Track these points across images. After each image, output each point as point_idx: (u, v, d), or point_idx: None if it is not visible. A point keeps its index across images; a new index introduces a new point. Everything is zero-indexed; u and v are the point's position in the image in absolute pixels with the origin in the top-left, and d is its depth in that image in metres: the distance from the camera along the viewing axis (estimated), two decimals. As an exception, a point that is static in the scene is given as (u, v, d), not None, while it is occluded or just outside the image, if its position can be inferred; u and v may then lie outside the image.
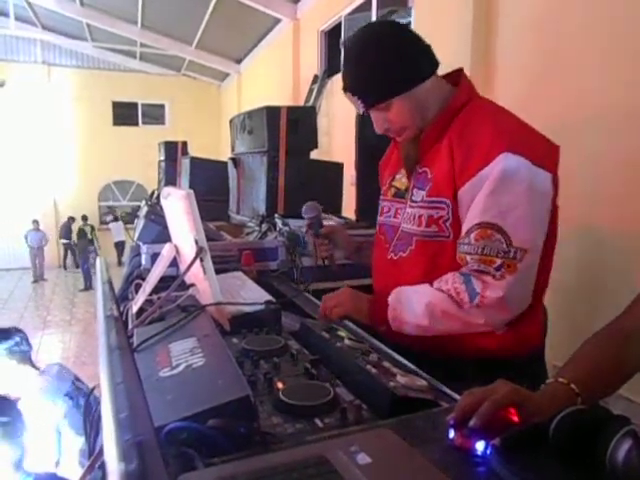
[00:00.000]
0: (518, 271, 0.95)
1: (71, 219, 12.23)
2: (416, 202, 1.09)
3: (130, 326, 1.14)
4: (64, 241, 12.29)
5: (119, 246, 11.98)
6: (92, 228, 11.83)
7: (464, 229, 1.00)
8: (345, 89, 1.09)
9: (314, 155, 3.03)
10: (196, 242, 1.05)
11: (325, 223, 1.46)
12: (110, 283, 0.47)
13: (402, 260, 1.12)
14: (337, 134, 6.02)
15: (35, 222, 11.80)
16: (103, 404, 0.25)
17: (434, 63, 1.07)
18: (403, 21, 5.33)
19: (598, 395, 0.78)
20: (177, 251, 1.26)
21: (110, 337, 0.28)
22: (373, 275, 1.28)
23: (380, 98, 1.05)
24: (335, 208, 2.79)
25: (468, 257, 0.98)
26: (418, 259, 1.09)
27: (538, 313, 1.09)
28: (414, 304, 1.01)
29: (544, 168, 0.97)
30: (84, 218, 11.99)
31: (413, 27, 4.75)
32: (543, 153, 0.99)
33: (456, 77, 1.11)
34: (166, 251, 1.28)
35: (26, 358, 2.00)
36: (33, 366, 2.03)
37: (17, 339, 2.02)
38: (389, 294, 1.06)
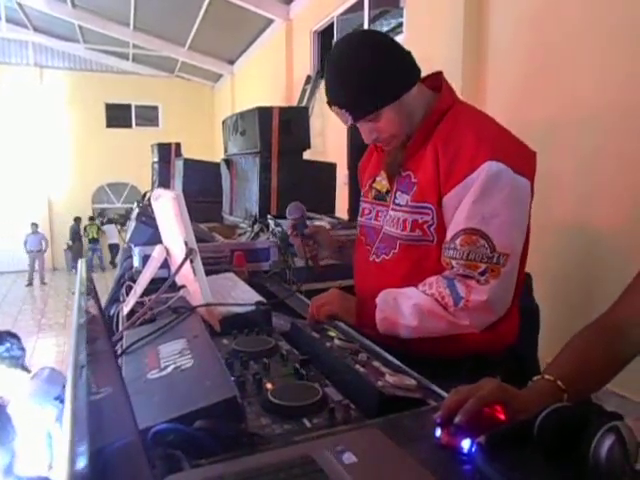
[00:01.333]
0: (501, 275, 0.97)
1: (78, 220, 12.38)
2: (400, 206, 1.10)
3: (120, 328, 1.14)
4: (70, 242, 12.43)
5: (113, 248, 12.06)
6: (98, 228, 12.15)
7: (449, 234, 1.01)
8: (331, 103, 1.06)
9: (307, 155, 3.03)
10: (186, 244, 1.05)
11: (311, 223, 1.46)
12: (93, 286, 0.47)
13: (385, 263, 1.13)
14: (330, 134, 6.03)
15: (34, 225, 11.87)
16: (63, 426, 0.24)
17: (417, 69, 1.07)
18: (395, 21, 5.35)
19: (585, 391, 0.79)
20: (168, 253, 1.26)
21: (79, 351, 0.28)
22: (355, 276, 1.29)
23: (369, 110, 1.03)
24: (328, 208, 2.80)
25: (453, 262, 1.00)
26: (402, 263, 1.10)
27: (514, 313, 1.10)
28: (402, 306, 1.02)
29: (524, 175, 1.00)
30: (91, 218, 12.50)
31: (405, 27, 4.76)
32: (523, 160, 1.02)
33: (434, 81, 1.12)
34: (157, 253, 1.28)
35: (17, 363, 2.00)
36: (25, 370, 2.02)
37: (8, 345, 2.02)
38: (376, 296, 1.06)
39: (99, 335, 0.48)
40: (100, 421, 0.39)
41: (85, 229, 12.44)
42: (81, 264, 0.51)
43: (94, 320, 0.47)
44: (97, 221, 12.40)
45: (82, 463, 0.24)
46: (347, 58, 1.03)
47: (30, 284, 11.14)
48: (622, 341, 0.81)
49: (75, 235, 12.21)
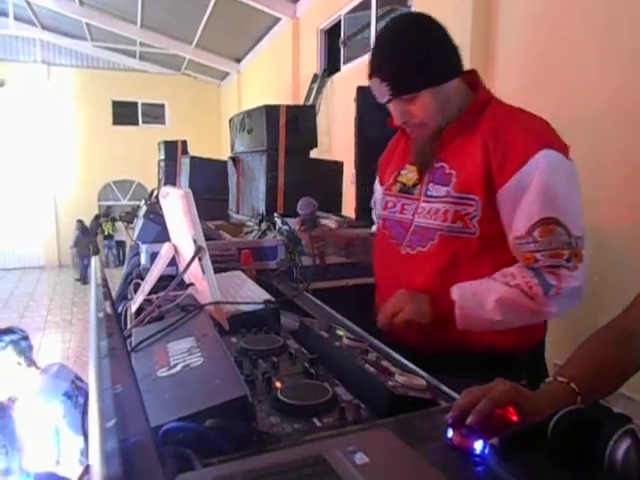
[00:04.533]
0: (584, 257, 0.99)
1: (97, 217, 12.61)
2: (436, 197, 1.09)
3: (129, 326, 1.14)
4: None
5: (120, 245, 12.15)
6: (113, 224, 12.35)
7: (521, 228, 1.00)
8: (372, 75, 1.06)
9: (314, 154, 3.03)
10: (194, 241, 1.05)
11: (319, 222, 1.45)
12: (105, 283, 0.47)
13: (421, 255, 1.12)
14: (337, 133, 6.01)
15: (79, 222, 12.14)
16: (90, 411, 0.24)
17: (462, 64, 1.09)
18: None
19: (598, 394, 0.78)
20: (176, 250, 1.26)
21: (100, 339, 0.28)
22: (378, 270, 1.27)
23: (411, 88, 1.03)
24: (335, 207, 2.80)
25: (537, 254, 0.99)
26: (440, 254, 1.09)
27: None
28: (483, 301, 1.01)
29: (570, 159, 1.03)
30: (105, 215, 12.66)
31: (413, 25, 4.74)
32: (565, 146, 1.04)
33: (470, 77, 1.12)
34: (165, 250, 1.28)
35: (28, 355, 2.01)
36: (34, 365, 2.04)
37: (22, 334, 2.04)
38: (449, 292, 1.05)
39: (112, 331, 0.48)
40: (116, 416, 0.39)
41: (100, 225, 12.58)
42: (95, 260, 0.51)
43: (108, 316, 0.47)
44: (102, 219, 12.51)
45: (113, 451, 0.23)
46: (403, 32, 1.05)
47: (80, 280, 11.11)
48: (637, 344, 0.81)
49: (85, 231, 12.27)
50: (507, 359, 1.08)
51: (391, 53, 1.04)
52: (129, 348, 0.92)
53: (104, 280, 0.52)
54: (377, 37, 1.09)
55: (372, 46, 1.09)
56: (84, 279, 10.81)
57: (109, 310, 0.49)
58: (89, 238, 11.97)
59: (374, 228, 1.46)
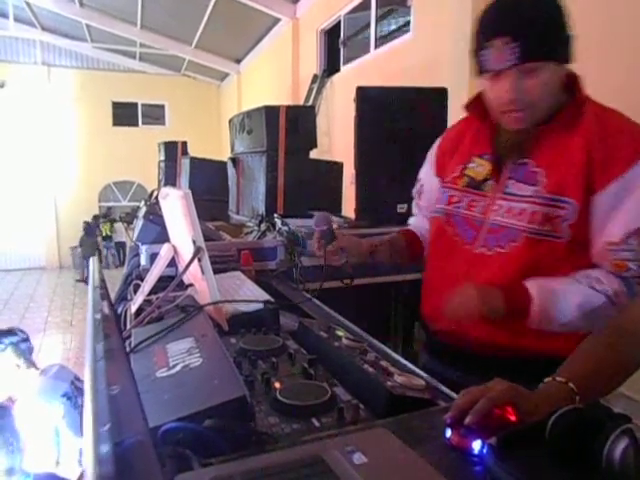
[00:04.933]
0: None
1: (96, 218, 12.61)
2: (520, 196, 1.02)
3: (129, 326, 1.14)
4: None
5: (120, 246, 12.17)
6: (111, 225, 12.37)
7: (617, 234, 0.94)
8: (505, 31, 0.92)
9: (314, 155, 3.03)
10: (194, 242, 1.05)
11: (339, 232, 1.36)
12: (104, 284, 0.47)
13: (499, 256, 1.04)
14: (337, 133, 6.02)
15: (86, 223, 12.22)
16: (85, 414, 0.24)
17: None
18: (402, 20, 5.33)
19: (597, 394, 0.78)
20: (175, 251, 1.26)
21: (96, 342, 0.28)
22: (434, 264, 1.21)
23: (547, 53, 0.93)
24: (335, 207, 2.79)
25: (631, 264, 0.94)
26: (522, 257, 1.01)
27: None
28: (562, 303, 0.96)
29: None
30: (105, 216, 12.68)
31: (412, 26, 4.75)
32: None
33: (568, 79, 1.03)
34: (164, 251, 1.28)
35: (28, 357, 2.01)
36: (34, 366, 2.04)
37: (23, 335, 2.04)
38: (524, 287, 0.98)
39: (111, 332, 0.48)
40: (112, 418, 0.39)
41: (98, 226, 12.59)
42: (93, 260, 0.51)
43: (105, 317, 0.47)
44: (100, 220, 12.53)
45: (106, 455, 0.23)
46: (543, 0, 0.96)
47: (81, 280, 11.13)
48: (635, 344, 0.81)
49: (90, 232, 12.29)
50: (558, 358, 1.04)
51: (529, 12, 0.93)
52: (128, 349, 0.92)
53: (102, 281, 0.52)
54: None
55: (495, 6, 0.96)
56: (87, 280, 10.88)
57: (107, 311, 0.49)
58: (94, 239, 12.02)
59: (411, 221, 1.41)
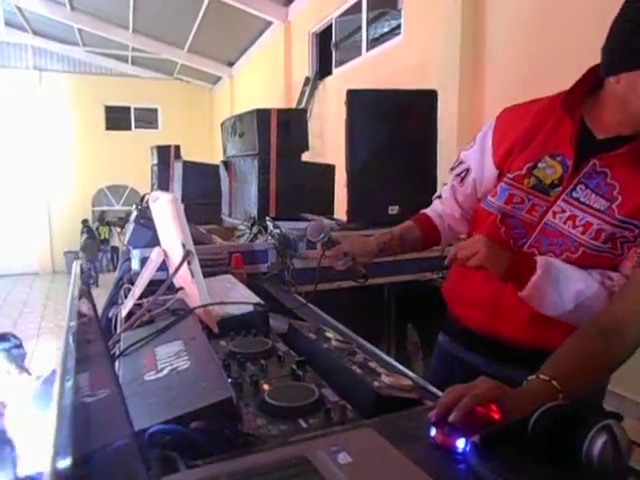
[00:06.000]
0: None
1: (85, 221, 12.42)
2: (588, 206, 0.95)
3: (118, 330, 1.14)
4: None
5: (115, 251, 12.13)
6: (109, 228, 12.30)
7: None
8: None
9: (306, 157, 3.03)
10: (183, 246, 1.06)
11: (342, 235, 1.36)
12: (88, 289, 0.47)
13: None
14: (329, 136, 6.03)
15: (87, 227, 12.10)
16: (48, 429, 0.25)
17: None
18: (393, 23, 5.36)
19: (580, 391, 0.79)
20: (166, 255, 1.26)
21: (68, 352, 0.28)
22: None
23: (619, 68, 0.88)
24: (327, 209, 2.81)
25: None
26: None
27: None
28: (563, 285, 0.94)
29: None
30: (100, 220, 12.53)
31: (403, 29, 4.78)
32: None
33: None
34: (154, 255, 1.28)
35: (20, 363, 2.00)
36: (26, 372, 2.03)
37: (16, 342, 2.03)
38: (534, 258, 0.97)
39: (94, 337, 0.48)
40: (94, 423, 0.39)
41: (97, 229, 12.49)
42: (75, 265, 0.51)
43: (89, 322, 0.48)
44: (94, 224, 12.48)
45: (65, 469, 0.24)
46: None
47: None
48: (618, 342, 0.82)
49: (92, 235, 12.23)
50: None
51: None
52: (117, 352, 0.92)
53: (87, 286, 0.52)
54: None
55: None
56: (89, 283, 10.89)
57: (89, 316, 0.49)
58: (97, 242, 11.98)
59: (436, 204, 1.31)
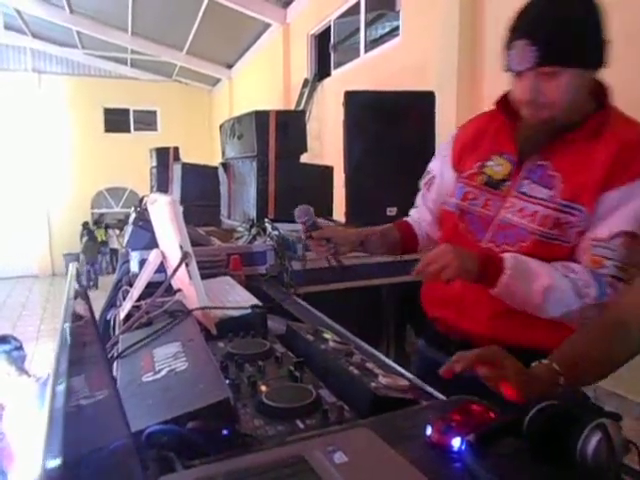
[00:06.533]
0: None
1: (85, 224, 12.43)
2: (534, 197, 1.02)
3: (117, 332, 1.15)
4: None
5: (114, 253, 12.13)
6: (106, 231, 12.25)
7: (604, 232, 0.96)
8: (522, 35, 0.95)
9: (305, 159, 3.04)
10: (181, 247, 1.06)
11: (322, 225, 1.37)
12: (84, 291, 0.47)
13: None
14: (328, 137, 6.04)
15: (87, 229, 12.12)
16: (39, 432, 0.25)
17: (604, 62, 0.99)
18: (391, 25, 5.37)
19: (582, 377, 0.81)
20: (164, 257, 1.27)
21: (61, 354, 0.28)
22: None
23: (564, 58, 0.93)
24: (325, 211, 2.81)
25: (607, 262, 0.95)
26: (528, 256, 1.02)
27: None
28: (532, 281, 0.97)
29: None
30: (96, 222, 12.53)
31: (401, 30, 4.79)
32: None
33: (597, 86, 1.03)
34: (152, 257, 1.28)
35: (20, 365, 2.01)
36: (26, 374, 2.04)
37: (16, 344, 2.04)
38: (501, 257, 0.99)
39: (90, 339, 0.48)
40: (90, 425, 0.40)
41: (93, 232, 12.43)
42: (72, 267, 0.51)
43: (85, 324, 0.48)
44: (93, 227, 12.47)
45: (57, 471, 0.24)
46: (574, 2, 0.96)
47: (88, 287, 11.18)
48: (625, 336, 0.82)
49: (93, 237, 12.21)
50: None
51: (552, 15, 0.95)
52: (116, 354, 0.92)
53: (84, 288, 0.53)
54: (541, 3, 0.98)
55: (525, 6, 0.98)
56: (89, 286, 10.96)
57: (88, 317, 0.50)
58: (97, 244, 11.98)
59: (412, 212, 1.39)
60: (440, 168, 1.25)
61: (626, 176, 0.94)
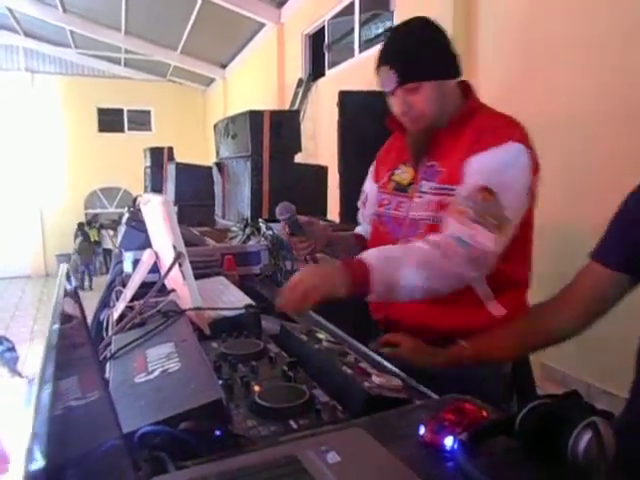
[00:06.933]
0: (504, 235, 1.04)
1: (81, 225, 12.36)
2: (425, 192, 1.17)
3: (110, 333, 1.14)
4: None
5: (108, 253, 12.07)
6: (98, 231, 12.20)
7: (466, 187, 1.07)
8: (383, 62, 1.14)
9: (299, 158, 3.04)
10: (174, 248, 1.06)
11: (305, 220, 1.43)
12: (76, 292, 0.47)
13: None
14: (322, 137, 6.04)
15: (81, 230, 12.06)
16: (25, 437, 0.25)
17: (460, 70, 1.18)
18: (385, 25, 5.38)
19: (487, 355, 1.00)
20: (157, 257, 1.26)
21: (48, 359, 0.28)
22: None
23: (417, 76, 1.11)
24: (320, 210, 2.81)
25: (470, 210, 1.04)
26: None
27: (524, 293, 1.22)
28: (399, 264, 1.00)
29: (536, 170, 1.11)
30: (89, 223, 12.47)
31: (395, 30, 4.79)
32: (536, 161, 1.12)
33: (464, 86, 1.22)
34: (146, 257, 1.28)
35: (12, 367, 2.00)
36: (18, 375, 2.02)
37: (9, 345, 2.03)
38: (361, 259, 1.00)
39: (81, 340, 0.48)
40: (80, 427, 0.40)
41: (87, 233, 12.37)
42: (62, 268, 0.51)
43: (76, 325, 0.48)
44: (86, 227, 12.38)
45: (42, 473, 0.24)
46: (416, 26, 1.16)
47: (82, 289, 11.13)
48: (535, 329, 0.98)
49: (87, 237, 12.14)
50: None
51: (402, 43, 1.14)
52: (108, 355, 0.92)
53: (74, 288, 0.52)
54: (390, 30, 1.22)
55: (384, 39, 1.18)
56: (82, 286, 10.97)
57: (79, 318, 0.49)
58: (92, 245, 11.91)
59: (359, 229, 1.48)
60: (369, 186, 1.40)
61: (480, 147, 1.08)
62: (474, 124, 1.14)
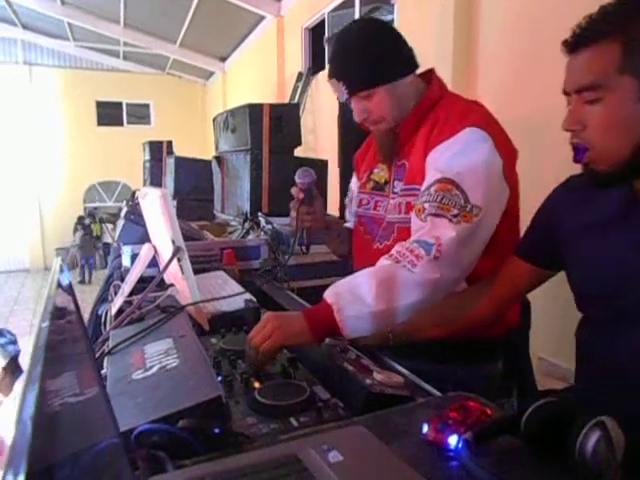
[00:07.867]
0: (473, 222, 0.95)
1: (81, 218, 12.28)
2: (396, 193, 1.16)
3: (108, 328, 1.13)
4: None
5: (107, 247, 12.04)
6: (100, 225, 12.09)
7: (425, 184, 1.03)
8: (331, 75, 1.14)
9: (299, 152, 3.01)
10: (173, 242, 1.04)
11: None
12: (70, 287, 0.45)
13: (387, 248, 1.12)
14: (322, 131, 6.01)
15: (82, 224, 11.97)
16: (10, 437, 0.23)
17: (414, 63, 1.14)
18: (387, 18, 5.34)
19: (409, 331, 1.02)
20: (156, 251, 1.25)
21: (37, 356, 0.27)
22: (356, 267, 1.27)
23: (364, 86, 1.10)
24: (320, 205, 2.79)
25: (427, 204, 0.99)
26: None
27: None
28: (361, 293, 0.90)
29: (501, 156, 1.01)
30: (91, 216, 12.32)
31: (396, 23, 4.75)
32: (504, 146, 1.04)
33: (429, 76, 1.18)
34: (144, 251, 1.26)
35: (15, 358, 1.99)
36: (20, 369, 2.02)
37: (11, 338, 2.01)
38: (324, 300, 0.93)
39: (76, 335, 0.47)
40: (75, 425, 0.38)
41: (89, 226, 12.25)
42: (56, 262, 0.50)
43: (71, 320, 0.46)
44: (88, 221, 12.33)
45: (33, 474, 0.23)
46: (354, 34, 1.13)
47: (82, 282, 11.09)
48: (454, 312, 1.03)
49: (89, 231, 12.09)
50: (482, 344, 1.13)
51: (344, 55, 1.12)
52: (106, 350, 0.91)
53: (69, 283, 0.51)
54: (332, 42, 1.18)
55: (328, 49, 1.16)
56: (83, 280, 10.99)
57: (75, 313, 0.48)
58: (93, 239, 11.88)
59: (349, 225, 1.46)
60: (353, 184, 1.38)
61: (436, 140, 1.06)
62: (432, 117, 1.12)
